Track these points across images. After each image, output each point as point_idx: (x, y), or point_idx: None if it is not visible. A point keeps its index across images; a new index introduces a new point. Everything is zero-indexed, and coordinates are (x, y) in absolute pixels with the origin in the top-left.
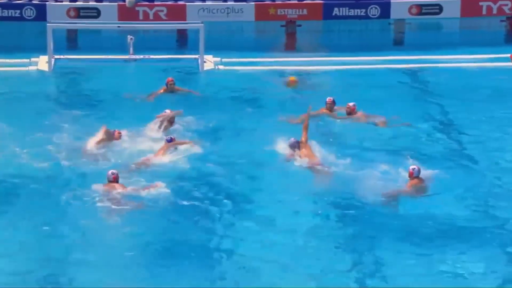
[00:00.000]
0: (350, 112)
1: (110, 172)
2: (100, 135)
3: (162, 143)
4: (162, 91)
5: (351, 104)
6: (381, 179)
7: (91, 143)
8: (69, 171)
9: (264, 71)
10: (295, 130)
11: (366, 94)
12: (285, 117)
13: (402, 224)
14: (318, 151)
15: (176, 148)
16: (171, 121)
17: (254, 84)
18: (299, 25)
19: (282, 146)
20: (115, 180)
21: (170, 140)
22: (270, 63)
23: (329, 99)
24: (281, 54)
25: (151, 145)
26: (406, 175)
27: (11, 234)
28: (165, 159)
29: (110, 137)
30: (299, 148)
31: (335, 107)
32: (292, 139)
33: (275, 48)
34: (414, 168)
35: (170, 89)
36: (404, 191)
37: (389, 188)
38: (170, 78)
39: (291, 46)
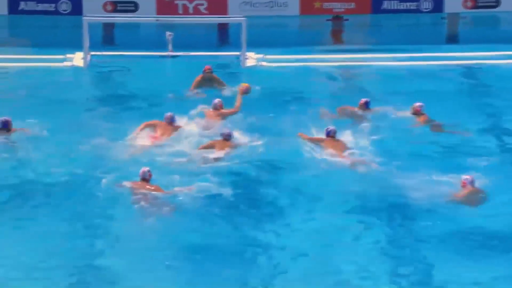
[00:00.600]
0: (415, 113)
1: (146, 169)
2: (139, 131)
3: (203, 141)
4: (199, 78)
5: (416, 104)
6: (431, 185)
7: (134, 140)
8: (104, 169)
9: (309, 68)
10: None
11: (417, 93)
12: (327, 114)
13: (450, 231)
14: (363, 149)
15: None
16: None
17: (298, 81)
18: (346, 20)
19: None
20: (149, 178)
21: (228, 136)
22: (315, 60)
23: (362, 100)
24: (326, 50)
25: (189, 142)
26: (459, 184)
27: (42, 235)
28: (202, 157)
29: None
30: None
31: (371, 109)
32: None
33: (320, 44)
34: (467, 178)
35: (208, 77)
36: (456, 198)
37: (439, 194)
38: (207, 66)
39: (337, 42)
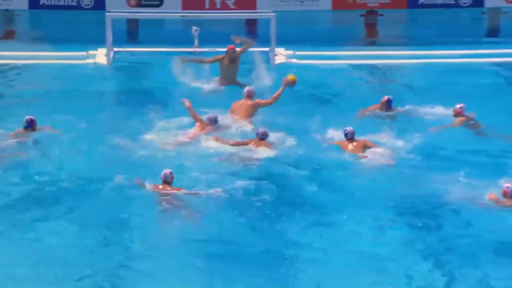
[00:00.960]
0: (456, 115)
1: (168, 171)
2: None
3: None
4: (221, 57)
5: (458, 106)
6: (468, 190)
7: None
8: (129, 169)
9: (341, 65)
10: (367, 126)
11: (455, 91)
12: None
13: (487, 240)
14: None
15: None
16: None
17: (329, 79)
18: (381, 15)
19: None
20: (171, 181)
21: (263, 135)
22: (348, 57)
23: (384, 98)
24: (360, 46)
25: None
26: (500, 191)
27: (60, 236)
28: (235, 156)
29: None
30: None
31: (393, 108)
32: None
33: (353, 41)
34: (509, 186)
35: (231, 57)
36: (496, 205)
37: (480, 200)
38: (231, 46)
39: (371, 38)
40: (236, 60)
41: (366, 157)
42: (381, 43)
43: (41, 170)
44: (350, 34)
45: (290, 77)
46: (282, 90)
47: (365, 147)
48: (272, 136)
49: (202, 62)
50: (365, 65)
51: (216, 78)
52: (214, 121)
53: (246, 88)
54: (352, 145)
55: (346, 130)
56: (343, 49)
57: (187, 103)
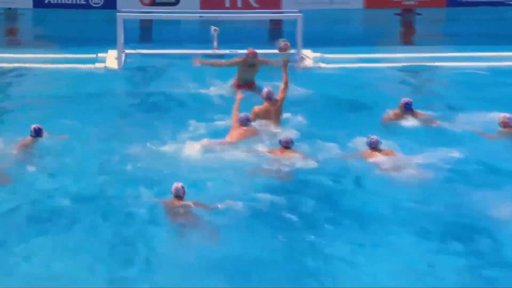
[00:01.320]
0: (504, 126)
1: (179, 185)
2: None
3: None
4: (240, 60)
5: (503, 116)
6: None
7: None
8: (141, 181)
9: (374, 69)
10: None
11: (499, 97)
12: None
13: None
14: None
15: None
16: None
17: (360, 84)
18: (419, 14)
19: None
20: (183, 195)
21: (288, 143)
22: (381, 60)
23: (402, 101)
24: (394, 48)
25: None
26: None
27: (70, 253)
28: (257, 168)
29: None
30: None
31: (417, 112)
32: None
33: (387, 42)
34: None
35: (251, 62)
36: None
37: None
38: (252, 50)
39: (407, 39)
40: (256, 65)
41: (393, 168)
42: (418, 45)
43: (50, 181)
44: (384, 34)
45: (283, 44)
46: (286, 74)
47: (391, 157)
48: (298, 144)
49: (219, 65)
50: (399, 67)
51: (231, 81)
52: (247, 121)
53: (265, 90)
54: (378, 154)
55: (370, 138)
56: (375, 51)
57: (238, 95)
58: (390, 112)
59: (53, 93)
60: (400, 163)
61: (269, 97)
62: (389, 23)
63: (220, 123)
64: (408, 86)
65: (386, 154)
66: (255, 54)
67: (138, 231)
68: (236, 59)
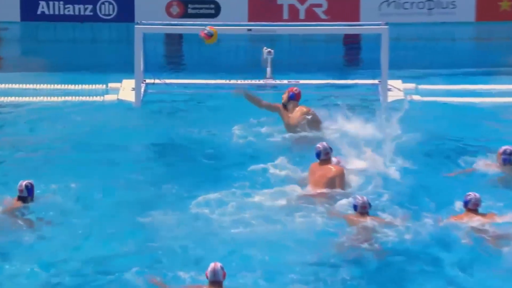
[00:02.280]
0: None
1: (219, 266)
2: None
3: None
4: (279, 106)
5: None
6: None
7: None
8: (162, 258)
9: (486, 104)
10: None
11: None
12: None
13: None
14: None
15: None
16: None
17: (468, 124)
18: None
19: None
20: (223, 279)
21: (364, 207)
22: (499, 93)
23: (500, 149)
24: None
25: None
26: None
27: None
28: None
29: None
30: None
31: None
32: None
33: (507, 67)
34: None
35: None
36: None
37: None
38: (294, 88)
39: None
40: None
41: (497, 237)
42: None
43: (45, 263)
44: (503, 57)
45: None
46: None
47: (494, 223)
48: (378, 204)
49: (258, 104)
50: None
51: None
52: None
53: (334, 160)
54: (478, 218)
55: (468, 196)
56: (491, 81)
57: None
58: (487, 163)
59: (47, 138)
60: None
61: (326, 153)
62: (510, 40)
63: (274, 174)
64: None
65: (489, 218)
66: (298, 94)
67: None
68: (275, 104)
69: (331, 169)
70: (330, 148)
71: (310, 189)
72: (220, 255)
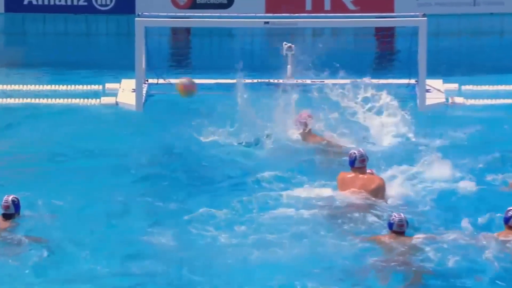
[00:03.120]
0: None
1: None
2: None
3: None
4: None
5: None
6: None
7: None
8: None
9: None
10: None
11: None
12: None
13: None
14: None
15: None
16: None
17: None
18: None
19: None
20: None
21: (401, 226)
22: None
23: None
24: None
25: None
26: None
27: None
28: None
29: None
30: None
31: None
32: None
33: None
34: None
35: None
36: None
37: None
38: (306, 114)
39: None
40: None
41: None
42: None
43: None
44: None
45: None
46: None
47: None
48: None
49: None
50: None
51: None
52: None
53: (356, 154)
54: None
55: (509, 212)
56: None
57: None
58: None
59: (32, 146)
60: None
61: (363, 160)
62: None
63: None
64: None
65: None
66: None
67: None
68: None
69: (373, 179)
70: (367, 156)
71: (343, 201)
72: (231, 278)
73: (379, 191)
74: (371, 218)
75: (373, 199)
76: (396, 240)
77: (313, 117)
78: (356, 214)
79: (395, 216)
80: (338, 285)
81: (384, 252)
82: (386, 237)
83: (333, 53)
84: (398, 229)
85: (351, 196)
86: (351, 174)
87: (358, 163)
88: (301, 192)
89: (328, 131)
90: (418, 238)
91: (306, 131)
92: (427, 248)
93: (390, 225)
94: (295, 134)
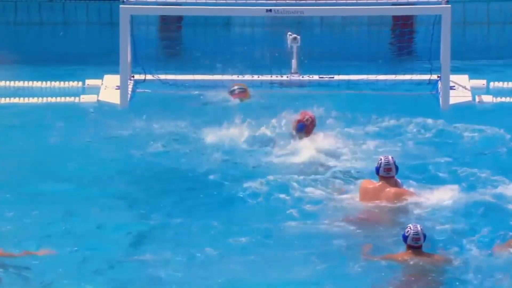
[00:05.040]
0: None
1: None
2: None
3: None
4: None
5: None
6: None
7: None
8: None
9: None
10: None
11: None
12: None
13: None
14: None
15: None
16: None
17: None
18: None
19: None
20: None
21: (417, 240)
22: None
23: None
24: None
25: None
26: None
27: None
28: None
29: None
30: None
31: None
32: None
33: None
34: None
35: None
36: None
37: None
38: (307, 114)
39: None
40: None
41: None
42: None
43: None
44: None
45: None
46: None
47: None
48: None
49: None
50: None
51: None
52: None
53: (382, 161)
54: None
55: None
56: None
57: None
58: None
59: (5, 150)
60: None
61: (389, 169)
62: None
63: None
64: None
65: None
66: (313, 122)
67: None
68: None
69: (400, 194)
70: (395, 165)
71: (361, 212)
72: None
73: (403, 206)
74: (389, 233)
75: (396, 213)
76: (412, 258)
77: (315, 118)
78: (373, 228)
79: (410, 228)
80: None
81: (398, 272)
82: (399, 256)
83: (344, 46)
84: (413, 243)
85: (370, 208)
86: (374, 184)
87: (382, 172)
88: (311, 198)
89: (330, 132)
90: (438, 256)
91: (308, 133)
92: (447, 268)
93: (405, 238)
94: (298, 135)
